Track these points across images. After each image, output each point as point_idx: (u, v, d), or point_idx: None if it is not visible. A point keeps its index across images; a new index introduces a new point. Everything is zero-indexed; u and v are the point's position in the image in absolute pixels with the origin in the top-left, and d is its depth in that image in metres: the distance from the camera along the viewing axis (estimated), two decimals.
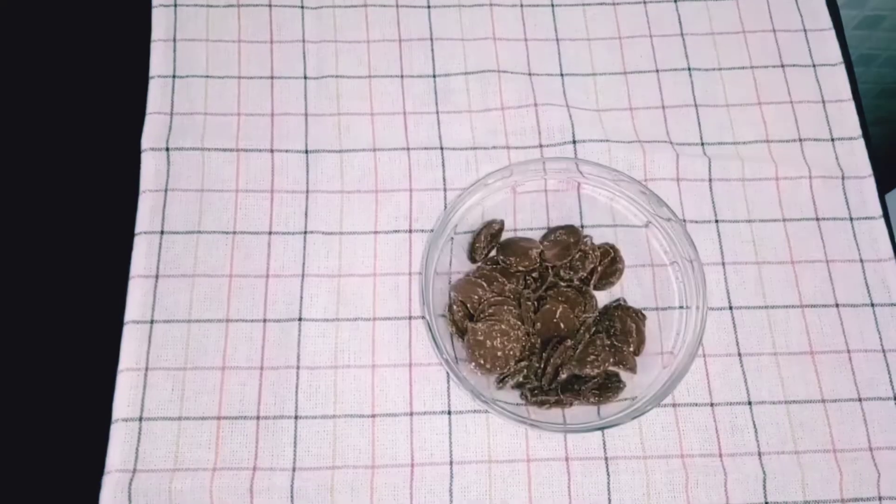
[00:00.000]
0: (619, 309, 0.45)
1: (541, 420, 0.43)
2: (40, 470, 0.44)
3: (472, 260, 0.47)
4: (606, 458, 0.44)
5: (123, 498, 0.42)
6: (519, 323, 0.43)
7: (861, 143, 0.51)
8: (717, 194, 0.50)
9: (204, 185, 0.49)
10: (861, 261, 0.48)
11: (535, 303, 0.45)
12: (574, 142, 0.50)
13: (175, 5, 0.53)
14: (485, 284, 0.44)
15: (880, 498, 0.43)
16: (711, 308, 0.46)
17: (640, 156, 0.50)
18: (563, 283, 0.46)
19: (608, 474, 0.43)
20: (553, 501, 0.43)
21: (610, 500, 0.43)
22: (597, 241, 0.48)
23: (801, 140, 0.51)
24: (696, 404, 0.45)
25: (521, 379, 0.44)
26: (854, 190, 0.50)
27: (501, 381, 0.43)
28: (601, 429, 0.43)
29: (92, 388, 0.44)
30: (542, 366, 0.43)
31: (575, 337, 0.44)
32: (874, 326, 0.47)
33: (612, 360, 0.43)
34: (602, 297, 0.47)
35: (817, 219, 0.49)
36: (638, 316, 0.45)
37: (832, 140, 0.51)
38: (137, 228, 0.48)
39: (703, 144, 0.51)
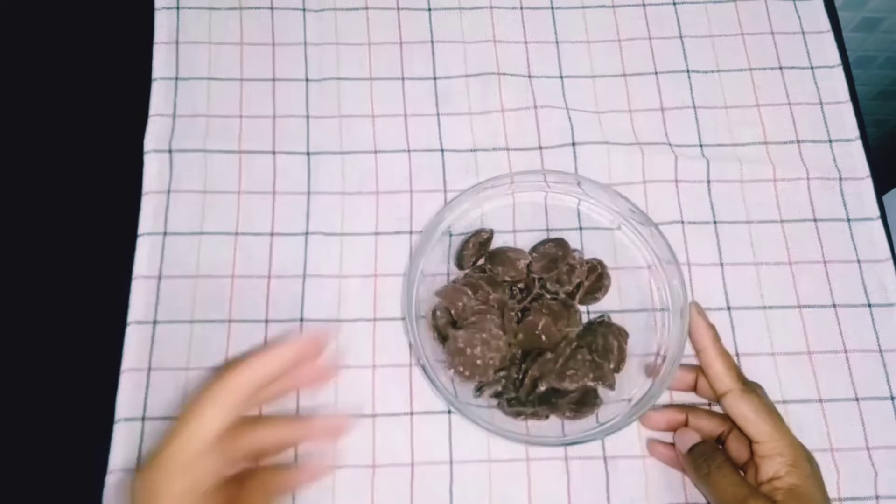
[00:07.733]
0: (602, 325, 0.45)
1: (509, 430, 0.42)
2: (43, 470, 0.44)
3: (460, 267, 0.47)
4: (605, 458, 0.44)
5: (126, 498, 0.42)
6: (500, 332, 0.42)
7: (859, 144, 0.51)
8: (715, 196, 0.50)
9: (206, 186, 0.49)
10: (858, 262, 0.48)
11: (519, 313, 0.45)
12: (573, 144, 0.50)
13: (178, 8, 0.54)
14: (470, 292, 0.44)
15: (877, 497, 0.43)
16: (709, 309, 0.46)
17: (639, 158, 0.50)
18: (548, 296, 0.45)
19: (607, 474, 0.44)
20: (552, 501, 0.43)
21: (609, 499, 0.43)
22: (575, 246, 0.47)
23: (798, 142, 0.52)
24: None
25: (499, 388, 0.43)
26: (851, 191, 0.50)
27: (479, 390, 0.43)
28: (566, 444, 0.43)
29: (95, 388, 0.45)
30: (521, 377, 0.43)
31: (556, 350, 0.43)
32: (871, 327, 0.47)
33: (591, 375, 0.42)
34: (585, 312, 0.47)
35: (815, 220, 0.50)
36: (621, 334, 0.44)
37: (830, 141, 0.52)
38: (140, 230, 0.48)
39: (701, 146, 0.51)
